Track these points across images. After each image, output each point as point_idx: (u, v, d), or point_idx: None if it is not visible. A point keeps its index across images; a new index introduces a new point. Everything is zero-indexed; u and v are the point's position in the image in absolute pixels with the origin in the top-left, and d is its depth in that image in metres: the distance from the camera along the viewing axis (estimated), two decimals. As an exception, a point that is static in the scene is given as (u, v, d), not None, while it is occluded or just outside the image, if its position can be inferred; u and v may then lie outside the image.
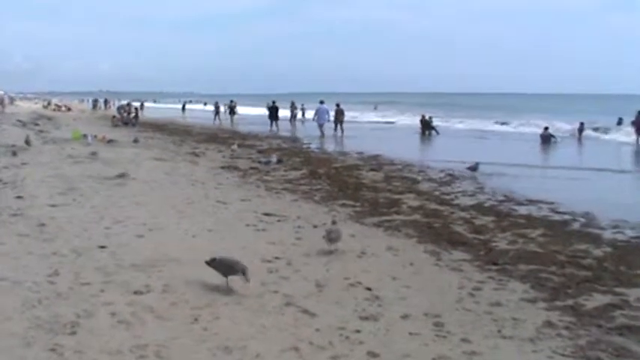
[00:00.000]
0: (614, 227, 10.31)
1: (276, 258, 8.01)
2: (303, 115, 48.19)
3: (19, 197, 11.61)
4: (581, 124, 34.88)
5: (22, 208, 10.64)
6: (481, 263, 8.11)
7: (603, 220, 10.81)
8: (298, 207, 11.97)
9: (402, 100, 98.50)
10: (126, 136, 28.46)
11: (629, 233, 9.93)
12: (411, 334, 5.62)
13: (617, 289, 7.04)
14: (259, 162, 19.23)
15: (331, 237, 8.38)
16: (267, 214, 10.89)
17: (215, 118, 48.81)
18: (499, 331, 5.73)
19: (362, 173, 16.99)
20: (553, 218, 11.14)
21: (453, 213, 11.52)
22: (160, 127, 38.53)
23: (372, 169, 17.81)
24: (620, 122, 39.33)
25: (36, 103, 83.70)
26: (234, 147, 23.58)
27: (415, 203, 12.41)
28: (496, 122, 46.05)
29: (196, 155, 21.72)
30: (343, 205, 12.25)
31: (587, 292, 6.96)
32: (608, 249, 8.90)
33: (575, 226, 10.51)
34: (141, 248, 8.22)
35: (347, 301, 6.48)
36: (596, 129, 36.49)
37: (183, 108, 74.38)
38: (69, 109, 65.12)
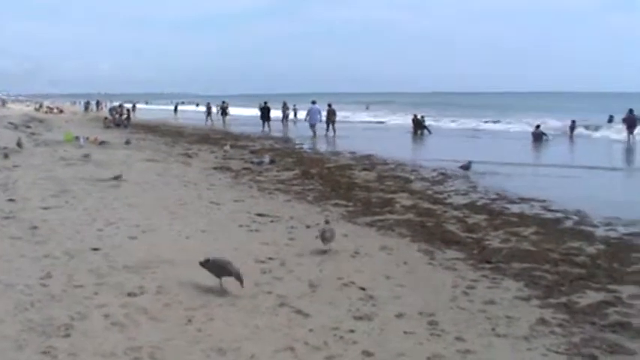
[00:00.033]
0: (607, 225, 10.35)
1: (270, 258, 8.00)
2: (295, 115, 48.19)
3: (11, 200, 11.56)
4: (573, 122, 34.97)
5: (14, 210, 10.60)
6: (474, 262, 8.12)
7: (596, 217, 10.85)
8: (291, 207, 11.96)
9: (398, 100, 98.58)
10: (118, 137, 28.38)
11: (622, 230, 9.96)
12: (405, 333, 5.63)
13: (611, 287, 7.06)
14: (252, 162, 19.21)
15: (325, 236, 8.38)
16: (260, 215, 10.88)
17: (207, 119, 48.78)
18: (493, 330, 5.74)
19: (354, 173, 16.99)
20: (545, 216, 11.17)
21: (445, 212, 11.54)
22: (152, 129, 38.45)
23: (365, 169, 17.82)
24: (610, 120, 39.51)
25: (28, 106, 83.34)
26: (227, 148, 23.53)
27: (408, 202, 12.42)
28: (486, 121, 46.00)
29: (189, 156, 21.67)
30: (336, 205, 12.25)
31: (580, 289, 6.97)
32: (601, 246, 8.92)
33: (568, 223, 10.54)
34: (134, 250, 8.19)
35: (341, 300, 6.47)
36: (587, 127, 36.60)
37: (176, 109, 74.22)
38: (61, 112, 64.90)
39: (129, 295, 6.42)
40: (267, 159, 19.33)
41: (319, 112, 33.75)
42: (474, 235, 9.64)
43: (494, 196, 13.21)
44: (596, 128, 36.23)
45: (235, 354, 5.07)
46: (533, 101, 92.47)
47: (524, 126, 38.50)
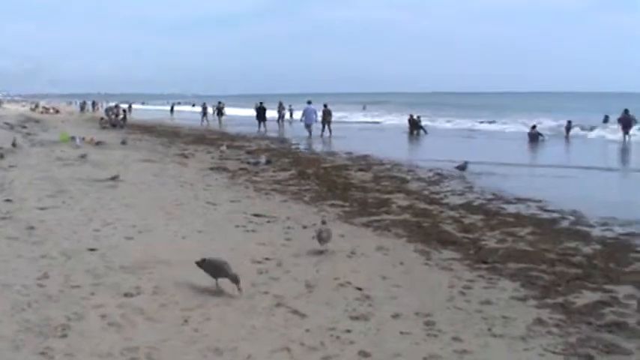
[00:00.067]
0: (603, 225, 10.37)
1: (266, 259, 8.00)
2: (291, 115, 48.17)
3: (7, 200, 11.54)
4: (569, 122, 35.04)
5: (11, 211, 10.58)
6: (471, 262, 8.13)
7: (592, 217, 10.87)
8: (287, 208, 11.96)
9: (395, 100, 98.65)
10: (114, 138, 28.33)
11: (618, 230, 9.99)
12: (402, 333, 5.63)
13: (607, 287, 7.07)
14: (248, 163, 19.21)
15: (322, 236, 8.38)
16: (256, 215, 10.88)
17: (202, 120, 48.77)
18: (490, 330, 5.75)
19: (351, 173, 17.00)
20: (542, 216, 11.19)
21: (442, 212, 11.55)
22: (149, 129, 38.42)
23: (361, 169, 17.84)
24: (606, 120, 39.63)
25: (23, 106, 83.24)
26: (223, 148, 23.52)
27: (404, 203, 12.43)
28: (481, 122, 45.99)
29: (185, 157, 21.66)
30: (332, 205, 12.26)
31: (577, 289, 6.99)
32: (598, 246, 8.94)
33: (564, 224, 10.56)
34: (130, 250, 8.19)
35: (337, 301, 6.47)
36: (582, 127, 36.64)
37: (172, 110, 74.09)
38: (57, 112, 64.85)
39: (125, 295, 6.41)
40: (263, 159, 19.33)
41: (315, 113, 33.74)
42: (471, 236, 9.65)
43: (490, 197, 13.23)
44: (592, 128, 36.28)
45: (232, 354, 5.07)
46: (530, 101, 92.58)
47: (520, 126, 38.55)
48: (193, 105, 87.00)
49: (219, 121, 46.43)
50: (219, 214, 11.13)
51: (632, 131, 30.31)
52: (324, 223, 8.94)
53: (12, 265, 7.37)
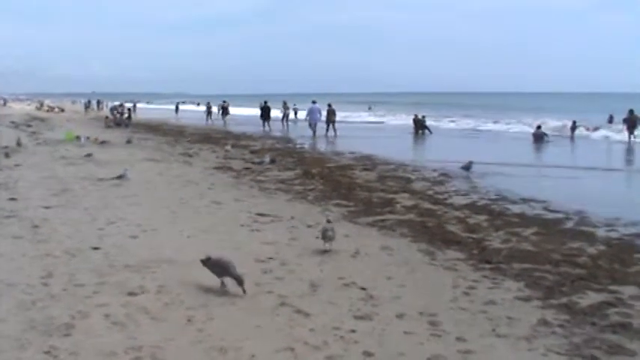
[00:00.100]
0: (608, 225, 10.34)
1: (271, 258, 8.01)
2: (296, 115, 48.14)
3: (12, 199, 11.59)
4: (574, 122, 34.97)
5: (16, 209, 10.62)
6: (475, 262, 8.11)
7: (596, 218, 10.85)
8: (292, 207, 11.96)
9: (399, 100, 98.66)
10: (119, 137, 28.40)
11: (623, 231, 9.96)
12: (406, 333, 5.62)
13: (612, 287, 7.06)
14: (253, 162, 19.21)
15: (327, 235, 8.39)
16: (261, 215, 10.88)
17: (207, 119, 48.78)
18: (494, 330, 5.74)
19: (355, 173, 16.98)
20: (546, 217, 11.16)
21: (446, 212, 11.53)
22: (154, 128, 38.46)
23: (366, 169, 17.82)
24: (611, 120, 39.52)
25: (29, 105, 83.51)
26: (228, 147, 23.52)
27: (409, 203, 12.41)
28: (485, 122, 45.93)
29: (190, 156, 21.68)
30: (337, 204, 12.24)
31: (581, 290, 6.97)
32: (602, 247, 8.92)
33: (569, 224, 10.54)
34: (135, 249, 8.21)
35: (341, 300, 6.47)
36: (587, 127, 36.54)
37: (177, 109, 74.13)
38: (62, 111, 65.02)
39: (129, 294, 6.43)
40: (267, 159, 19.31)
41: (319, 112, 33.75)
42: (475, 236, 9.63)
43: (494, 197, 13.21)
44: (597, 129, 36.18)
45: (236, 353, 5.07)
46: (533, 102, 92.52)
47: (524, 126, 38.49)
48: (198, 104, 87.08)
49: (224, 121, 46.41)
50: (224, 213, 11.14)
51: (637, 132, 30.22)
52: (329, 221, 8.94)
53: (17, 264, 7.40)
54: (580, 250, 8.73)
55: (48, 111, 63.71)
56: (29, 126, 35.86)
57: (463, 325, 5.85)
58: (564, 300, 6.63)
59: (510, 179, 16.25)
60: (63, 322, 5.57)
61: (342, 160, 20.30)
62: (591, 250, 8.74)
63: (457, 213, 11.43)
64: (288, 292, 6.67)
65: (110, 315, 5.79)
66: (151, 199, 12.30)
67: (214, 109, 50.51)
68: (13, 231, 9.11)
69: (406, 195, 13.37)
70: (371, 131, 39.29)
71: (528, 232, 9.84)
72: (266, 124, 38.17)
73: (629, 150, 27.39)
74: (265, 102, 39.83)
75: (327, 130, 33.18)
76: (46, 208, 10.83)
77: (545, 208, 11.84)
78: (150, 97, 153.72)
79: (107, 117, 42.68)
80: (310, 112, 33.59)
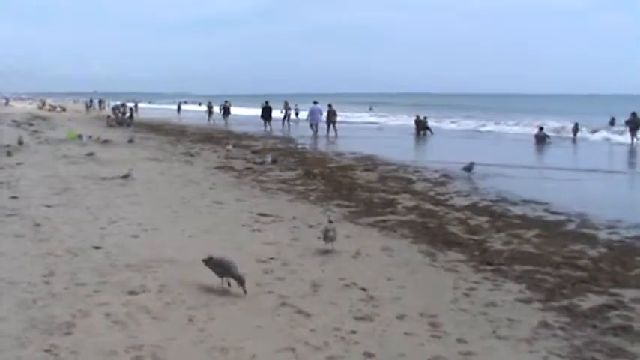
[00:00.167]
0: (609, 228, 10.33)
1: (272, 258, 8.01)
2: (297, 115, 48.14)
3: (14, 198, 11.60)
4: (576, 124, 34.96)
5: (18, 208, 10.63)
6: (476, 263, 8.11)
7: (598, 220, 10.83)
8: (293, 207, 11.96)
9: (400, 101, 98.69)
10: (121, 136, 28.43)
11: (624, 233, 9.95)
12: (406, 334, 5.62)
13: (613, 290, 7.05)
14: (254, 162, 19.21)
15: (328, 235, 8.40)
16: (262, 215, 10.88)
17: (209, 119, 48.78)
18: (494, 332, 5.74)
19: (357, 173, 16.98)
20: (548, 219, 11.16)
21: (448, 213, 11.52)
22: (155, 128, 38.48)
23: (367, 170, 17.82)
24: (612, 122, 39.49)
25: (31, 104, 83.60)
26: (230, 147, 23.52)
27: (410, 204, 12.41)
28: (487, 122, 45.90)
29: (191, 155, 21.70)
30: (338, 205, 12.24)
31: (582, 292, 6.96)
32: (603, 249, 8.91)
33: (570, 226, 10.53)
34: (136, 248, 8.21)
35: (342, 301, 6.47)
36: (588, 129, 36.51)
37: (179, 109, 74.16)
38: (64, 110, 65.07)
39: (130, 293, 6.43)
40: (269, 159, 19.33)
41: (320, 112, 33.79)
42: (476, 237, 9.63)
43: (496, 198, 13.20)
44: (597, 131, 36.16)
45: (237, 353, 5.07)
46: (534, 103, 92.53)
47: (525, 128, 38.50)
48: (199, 104, 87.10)
49: (225, 121, 46.41)
50: (225, 213, 11.14)
51: (639, 134, 30.21)
52: (330, 222, 8.93)
53: (18, 263, 7.41)
54: (581, 252, 8.72)
55: (50, 110, 63.75)
56: (31, 125, 35.88)
57: (464, 326, 5.85)
58: (565, 302, 6.63)
59: (512, 181, 16.24)
60: (64, 320, 5.57)
61: (344, 161, 20.31)
62: (592, 252, 8.73)
63: (458, 214, 11.43)
64: (289, 292, 6.67)
65: (111, 314, 5.80)
66: (152, 198, 12.31)
67: (216, 108, 50.53)
68: (15, 229, 9.11)
69: (407, 196, 13.37)
70: (372, 132, 39.31)
71: (530, 234, 9.83)
72: (267, 124, 38.18)
73: (632, 152, 27.39)
74: (266, 102, 39.85)
75: (328, 130, 33.19)
76: (48, 206, 10.84)
77: (547, 210, 11.83)
78: (152, 97, 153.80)
79: (109, 116, 42.76)
80: (311, 113, 33.61)
